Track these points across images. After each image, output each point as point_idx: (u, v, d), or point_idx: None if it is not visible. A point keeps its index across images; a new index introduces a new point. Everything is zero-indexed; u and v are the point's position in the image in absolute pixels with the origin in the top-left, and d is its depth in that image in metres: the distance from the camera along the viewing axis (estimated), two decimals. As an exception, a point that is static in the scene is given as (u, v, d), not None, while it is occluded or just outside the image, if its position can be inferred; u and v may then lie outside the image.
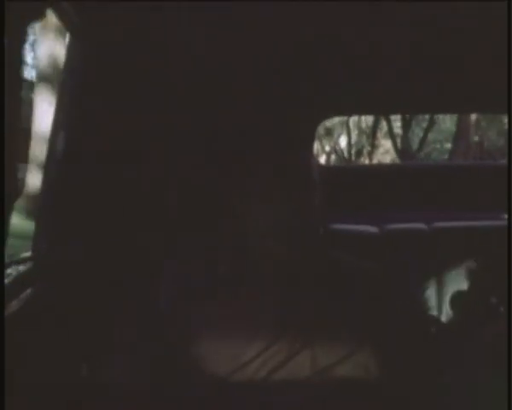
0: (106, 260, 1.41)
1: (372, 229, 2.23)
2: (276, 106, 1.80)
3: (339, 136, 14.47)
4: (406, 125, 11.75)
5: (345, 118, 12.11)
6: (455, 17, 1.34)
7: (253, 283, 1.18)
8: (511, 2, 1.21)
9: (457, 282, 2.09)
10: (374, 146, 12.36)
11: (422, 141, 12.13)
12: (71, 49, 1.41)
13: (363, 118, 13.02)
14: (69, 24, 1.32)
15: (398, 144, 12.06)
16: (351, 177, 2.56)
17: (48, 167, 1.39)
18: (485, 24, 1.34)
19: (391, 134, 12.02)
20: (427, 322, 1.83)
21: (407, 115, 11.24)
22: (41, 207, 1.37)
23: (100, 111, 1.38)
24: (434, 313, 2.13)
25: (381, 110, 3.00)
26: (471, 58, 1.59)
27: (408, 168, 3.12)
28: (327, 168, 1.22)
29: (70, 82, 1.38)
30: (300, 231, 1.18)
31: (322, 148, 15.45)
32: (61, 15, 1.30)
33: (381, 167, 3.21)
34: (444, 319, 2.13)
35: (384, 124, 11.62)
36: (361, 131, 14.04)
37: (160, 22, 1.36)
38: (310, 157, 1.26)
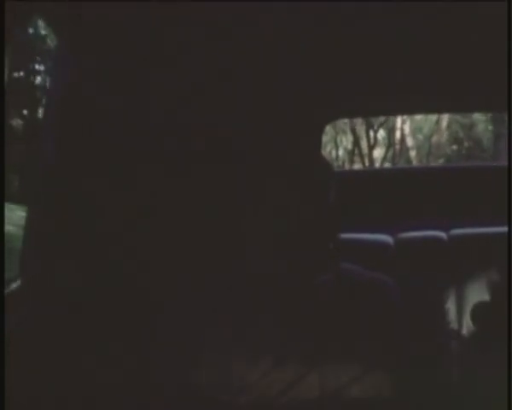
0: (100, 279, 1.39)
1: (385, 238, 2.21)
2: (280, 107, 1.79)
3: (331, 150, 17.68)
4: (371, 147, 16.09)
5: (333, 135, 16.54)
6: (456, 16, 1.37)
7: (255, 301, 1.16)
8: (511, 2, 1.23)
9: (479, 293, 2.06)
10: (353, 161, 16.63)
11: (383, 160, 16.60)
12: (59, 52, 1.40)
13: (343, 139, 17.59)
14: (58, 26, 1.32)
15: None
16: (361, 181, 2.54)
17: (35, 178, 1.38)
18: (486, 23, 1.37)
19: (360, 154, 16.15)
20: (445, 337, 1.81)
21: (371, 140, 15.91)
22: (28, 221, 1.35)
23: (91, 116, 1.37)
24: (454, 326, 2.10)
25: (385, 112, 3.01)
26: (473, 57, 1.61)
27: (422, 171, 3.09)
28: (336, 173, 1.21)
29: (58, 86, 1.38)
30: (307, 242, 1.17)
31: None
32: (50, 18, 1.30)
33: (392, 171, 3.19)
34: (464, 332, 2.09)
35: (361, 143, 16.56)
36: (345, 150, 18.39)
37: (154, 20, 1.35)
38: (317, 160, 1.24)
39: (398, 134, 16.38)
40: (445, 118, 15.47)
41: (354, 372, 1.11)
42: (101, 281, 1.38)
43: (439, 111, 3.15)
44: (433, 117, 15.27)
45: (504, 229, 2.12)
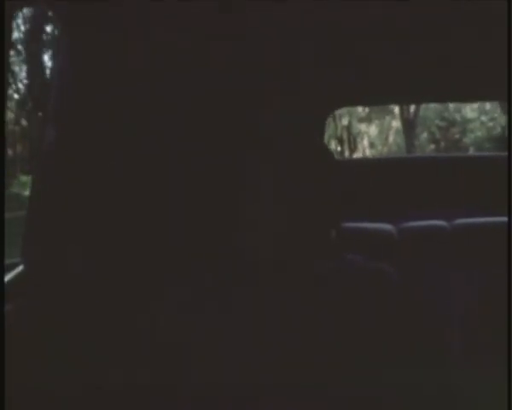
0: (103, 268, 1.40)
1: (388, 228, 2.21)
2: (283, 95, 1.80)
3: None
4: (351, 150, 21.66)
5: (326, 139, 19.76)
6: (456, 14, 1.41)
7: (253, 290, 1.17)
8: (511, 2, 1.25)
9: (481, 283, 2.06)
10: (343, 162, 21.74)
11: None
12: (62, 41, 1.41)
13: (333, 143, 22.05)
14: (60, 14, 1.33)
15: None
16: (363, 170, 2.55)
17: (37, 165, 1.39)
18: (486, 19, 1.39)
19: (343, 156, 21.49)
20: (448, 331, 1.82)
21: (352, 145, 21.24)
22: (31, 207, 1.37)
23: (92, 105, 1.38)
24: (457, 319, 2.10)
25: (386, 100, 3.02)
26: (472, 51, 1.63)
27: (425, 160, 3.10)
28: (338, 162, 1.21)
29: (61, 76, 1.39)
30: (309, 231, 1.18)
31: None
32: (52, 5, 1.31)
33: (395, 160, 3.20)
34: (468, 325, 2.09)
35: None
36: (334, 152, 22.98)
37: (156, 14, 1.36)
38: (319, 148, 1.25)
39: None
40: (392, 134, 22.51)
41: (354, 365, 1.12)
42: (102, 269, 1.40)
43: (437, 101, 3.14)
44: (384, 134, 22.75)
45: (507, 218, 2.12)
